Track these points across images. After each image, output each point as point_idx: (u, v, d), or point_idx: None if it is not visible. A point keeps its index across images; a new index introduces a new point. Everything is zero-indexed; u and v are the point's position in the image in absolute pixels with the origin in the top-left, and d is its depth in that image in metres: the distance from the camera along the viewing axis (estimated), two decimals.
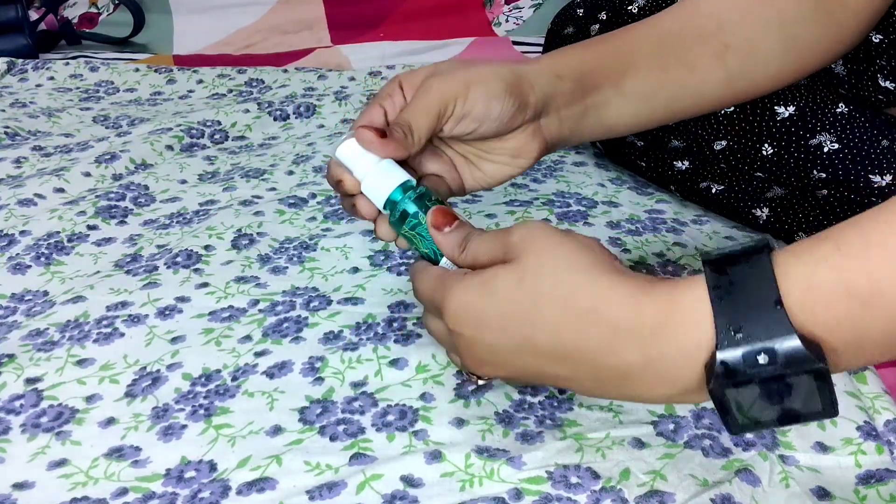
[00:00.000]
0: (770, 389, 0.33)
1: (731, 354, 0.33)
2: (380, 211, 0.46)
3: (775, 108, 0.65)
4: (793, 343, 0.32)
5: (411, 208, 0.44)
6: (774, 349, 0.33)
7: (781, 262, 0.34)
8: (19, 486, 0.42)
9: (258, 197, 0.72)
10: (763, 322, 0.33)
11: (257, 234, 0.65)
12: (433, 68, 0.48)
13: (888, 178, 0.60)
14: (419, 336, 0.52)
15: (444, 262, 0.44)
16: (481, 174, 0.50)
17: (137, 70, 1.12)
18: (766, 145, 0.65)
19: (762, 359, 0.33)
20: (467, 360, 0.41)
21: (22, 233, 0.65)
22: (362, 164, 0.45)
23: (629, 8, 0.75)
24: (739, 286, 0.34)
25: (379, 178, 0.45)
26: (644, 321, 0.35)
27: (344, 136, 0.45)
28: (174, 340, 0.52)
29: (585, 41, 0.52)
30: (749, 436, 0.44)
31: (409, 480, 0.41)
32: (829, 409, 0.34)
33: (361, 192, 0.46)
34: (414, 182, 0.45)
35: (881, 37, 0.63)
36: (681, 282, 0.36)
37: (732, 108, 0.66)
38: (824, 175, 0.63)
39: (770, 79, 0.53)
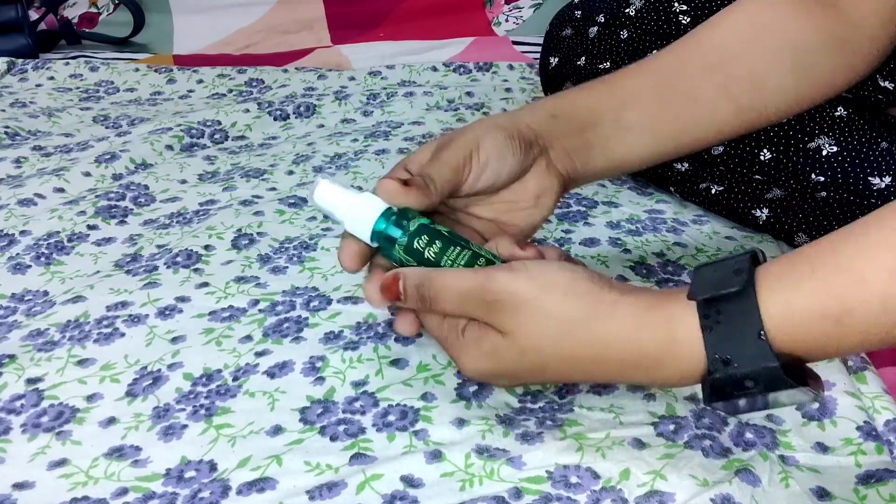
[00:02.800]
0: (756, 401, 0.38)
1: (721, 381, 0.38)
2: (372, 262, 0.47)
3: None
4: (775, 371, 0.36)
5: (395, 232, 0.44)
6: (759, 376, 0.37)
7: (765, 287, 0.37)
8: (19, 486, 0.42)
9: (258, 197, 0.72)
10: (748, 353, 0.37)
11: (257, 233, 0.65)
12: (438, 141, 0.49)
13: (887, 179, 0.60)
14: (419, 335, 0.52)
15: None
16: (514, 227, 0.50)
17: (137, 70, 1.12)
18: (765, 150, 0.65)
19: (749, 384, 0.37)
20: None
21: (22, 233, 0.65)
22: (341, 204, 0.45)
23: (626, 10, 0.75)
24: (726, 319, 0.37)
25: (360, 210, 0.44)
26: (646, 354, 0.39)
27: (320, 179, 0.46)
28: (175, 340, 0.52)
29: (583, 84, 0.53)
30: (749, 436, 0.44)
31: (409, 480, 0.41)
32: (816, 396, 0.38)
33: (346, 233, 0.45)
34: (395, 209, 0.45)
35: None
36: (674, 309, 0.39)
37: None
38: (823, 178, 0.63)
39: (783, 110, 0.53)
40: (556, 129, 0.50)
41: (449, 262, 0.43)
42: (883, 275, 0.35)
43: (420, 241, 0.43)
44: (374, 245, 0.45)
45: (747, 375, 0.37)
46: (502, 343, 0.41)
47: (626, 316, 0.39)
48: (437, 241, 0.43)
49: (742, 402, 0.38)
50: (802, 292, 0.37)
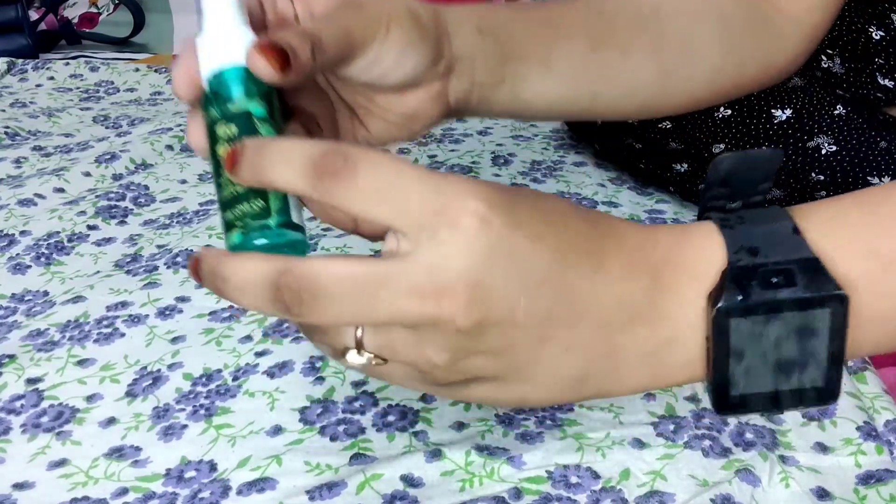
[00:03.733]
0: (779, 328, 0.30)
1: (745, 271, 0.29)
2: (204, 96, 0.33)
3: (772, 111, 0.65)
4: (815, 264, 0.29)
5: (227, 96, 0.32)
6: (794, 269, 0.29)
7: (793, 209, 0.31)
8: (19, 486, 0.42)
9: None
10: (780, 245, 0.30)
11: None
12: None
13: (886, 179, 0.60)
14: None
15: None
16: (365, 132, 0.41)
17: (137, 70, 1.12)
18: (764, 148, 0.65)
19: (779, 280, 0.29)
20: (502, 364, 0.31)
21: (22, 233, 0.65)
22: (218, 18, 0.33)
23: None
24: (750, 217, 0.31)
25: (226, 43, 0.33)
26: (656, 254, 0.31)
27: None
28: (175, 340, 0.52)
29: (521, 4, 0.45)
30: (749, 436, 0.44)
31: (409, 480, 0.41)
32: (831, 384, 0.31)
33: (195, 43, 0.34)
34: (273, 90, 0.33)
35: (882, 34, 0.63)
36: (685, 224, 0.33)
37: (730, 112, 0.66)
38: (822, 177, 0.63)
39: (706, 80, 0.49)
40: (478, 52, 0.41)
41: (226, 176, 0.31)
42: None
43: (224, 128, 0.32)
44: (205, 87, 0.33)
45: (779, 266, 0.29)
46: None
47: (630, 242, 0.31)
48: (237, 143, 0.31)
49: (754, 329, 0.29)
50: (845, 221, 0.30)
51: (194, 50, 0.33)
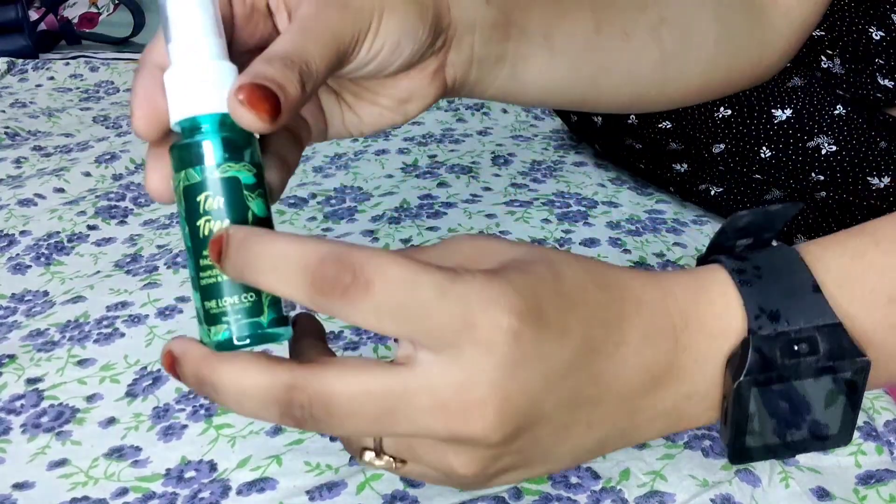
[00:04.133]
0: (800, 393, 0.29)
1: (768, 342, 0.29)
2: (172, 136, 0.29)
3: (773, 110, 0.65)
4: (837, 331, 0.28)
5: (217, 155, 0.27)
6: (816, 336, 0.28)
7: (808, 252, 0.30)
8: (19, 486, 0.42)
9: None
10: (802, 308, 0.28)
11: None
12: None
13: (886, 180, 0.60)
14: None
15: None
16: (355, 119, 0.37)
17: None
18: (765, 148, 0.65)
19: (802, 348, 0.28)
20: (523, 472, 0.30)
21: (22, 233, 0.65)
22: (189, 44, 0.28)
23: None
24: (767, 270, 0.30)
25: (201, 82, 0.28)
26: (674, 315, 0.30)
27: None
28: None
29: None
30: None
31: (409, 480, 0.41)
32: (845, 431, 0.31)
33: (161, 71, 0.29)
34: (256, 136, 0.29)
35: (882, 34, 0.63)
36: (698, 271, 0.31)
37: (730, 112, 0.66)
38: (822, 177, 0.63)
39: (700, 71, 0.47)
40: (479, 21, 0.37)
41: (207, 260, 0.27)
42: None
43: (207, 198, 0.27)
44: (175, 130, 0.29)
45: (801, 335, 0.28)
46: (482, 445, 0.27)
47: (651, 293, 0.30)
48: (223, 220, 0.27)
49: (774, 398, 0.29)
50: (863, 263, 0.30)
51: (159, 79, 0.28)
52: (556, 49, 0.40)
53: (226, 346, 0.28)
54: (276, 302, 0.28)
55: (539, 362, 0.27)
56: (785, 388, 0.29)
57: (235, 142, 0.28)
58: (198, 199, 0.27)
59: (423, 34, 0.33)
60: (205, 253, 0.27)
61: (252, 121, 0.27)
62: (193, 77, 0.27)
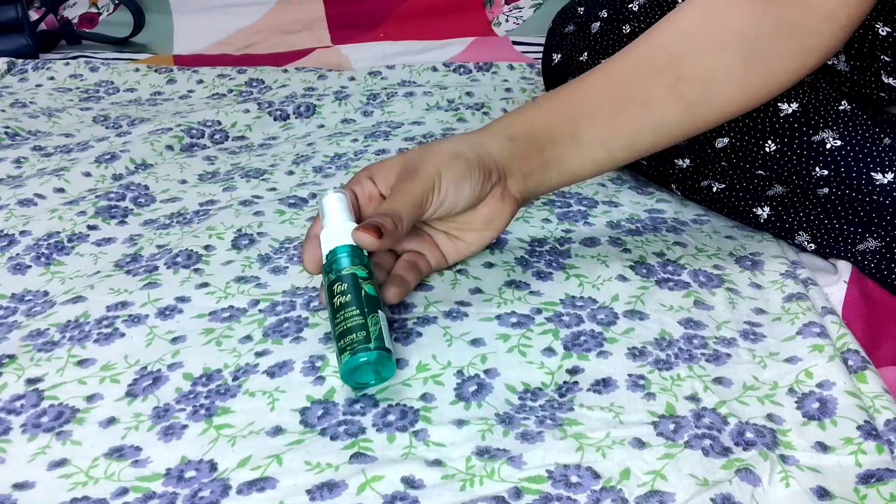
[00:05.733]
0: None
1: None
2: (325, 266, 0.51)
3: (778, 104, 0.65)
4: None
5: (335, 263, 0.49)
6: None
7: None
8: (19, 486, 0.42)
9: (258, 197, 0.72)
10: None
11: (257, 234, 0.65)
12: (402, 162, 0.51)
13: (890, 176, 0.60)
14: (419, 335, 0.52)
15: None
16: (463, 244, 0.55)
17: (137, 70, 1.12)
18: (770, 141, 0.65)
19: None
20: None
21: (22, 233, 0.65)
22: (330, 217, 0.51)
23: (630, 6, 0.75)
24: None
25: (335, 231, 0.50)
26: None
27: (331, 190, 0.52)
28: (175, 340, 0.52)
29: (538, 98, 0.55)
30: (749, 435, 0.44)
31: (409, 481, 0.41)
32: None
33: (318, 235, 0.51)
34: (366, 254, 0.50)
35: (888, 30, 0.63)
36: None
37: None
38: (826, 172, 0.63)
39: (734, 101, 0.53)
40: (516, 153, 0.52)
41: (340, 317, 0.47)
42: None
43: (338, 286, 0.48)
44: (325, 258, 0.51)
45: None
46: None
47: None
48: (347, 295, 0.48)
49: None
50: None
51: (317, 240, 0.51)
52: (585, 142, 0.53)
53: (348, 363, 0.46)
54: (379, 336, 0.46)
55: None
56: None
57: (354, 257, 0.49)
58: (333, 287, 0.49)
59: (474, 177, 0.50)
60: (337, 314, 0.48)
61: (367, 239, 0.47)
62: (335, 229, 0.51)
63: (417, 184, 0.49)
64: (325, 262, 0.50)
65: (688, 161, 0.70)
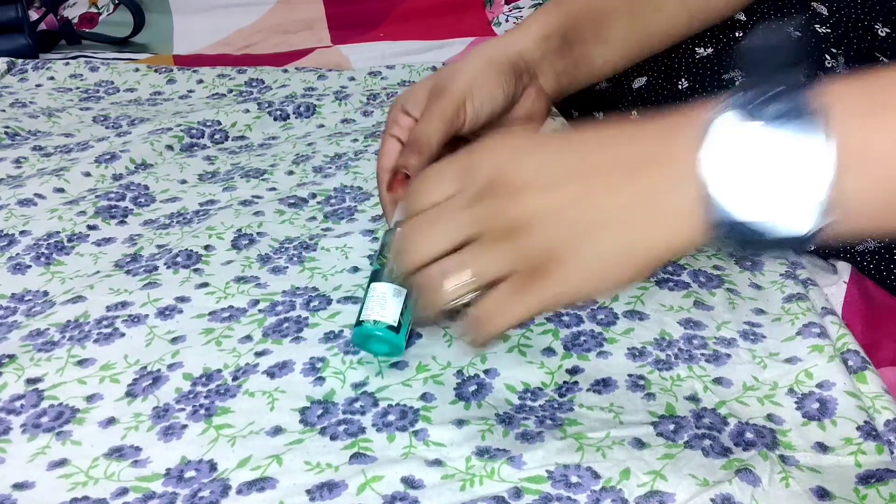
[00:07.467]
0: (771, 135, 0.31)
1: (736, 97, 0.32)
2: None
3: None
4: (796, 85, 0.31)
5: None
6: (782, 92, 0.32)
7: (835, 109, 0.32)
8: (19, 486, 0.42)
9: (258, 197, 0.72)
10: (771, 84, 0.32)
11: (257, 234, 0.65)
12: (432, 82, 0.51)
13: None
14: (419, 336, 0.52)
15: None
16: None
17: (137, 70, 1.11)
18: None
19: (766, 99, 0.32)
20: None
21: (22, 233, 0.65)
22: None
23: None
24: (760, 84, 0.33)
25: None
26: (665, 118, 0.35)
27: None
28: (174, 340, 0.52)
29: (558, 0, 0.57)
30: (749, 436, 0.44)
31: (409, 481, 0.41)
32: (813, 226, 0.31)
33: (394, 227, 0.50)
34: None
35: (888, 31, 0.63)
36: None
37: None
38: None
39: (721, 11, 0.62)
40: (548, 52, 0.53)
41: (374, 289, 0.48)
42: None
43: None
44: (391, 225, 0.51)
45: (774, 89, 0.31)
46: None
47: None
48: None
49: (744, 138, 0.32)
50: (851, 79, 0.32)
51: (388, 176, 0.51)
52: (610, 42, 0.56)
53: (365, 331, 0.47)
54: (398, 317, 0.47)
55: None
56: (757, 131, 0.31)
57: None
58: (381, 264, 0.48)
59: (507, 84, 0.50)
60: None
61: (398, 195, 0.50)
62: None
63: (447, 100, 0.49)
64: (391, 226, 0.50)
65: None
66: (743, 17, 0.68)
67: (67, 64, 1.13)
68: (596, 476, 0.41)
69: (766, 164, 0.31)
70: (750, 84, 0.33)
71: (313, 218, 0.68)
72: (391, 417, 0.45)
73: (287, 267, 0.61)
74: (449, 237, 0.37)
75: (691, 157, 0.32)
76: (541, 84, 0.53)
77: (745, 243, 0.33)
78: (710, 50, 0.68)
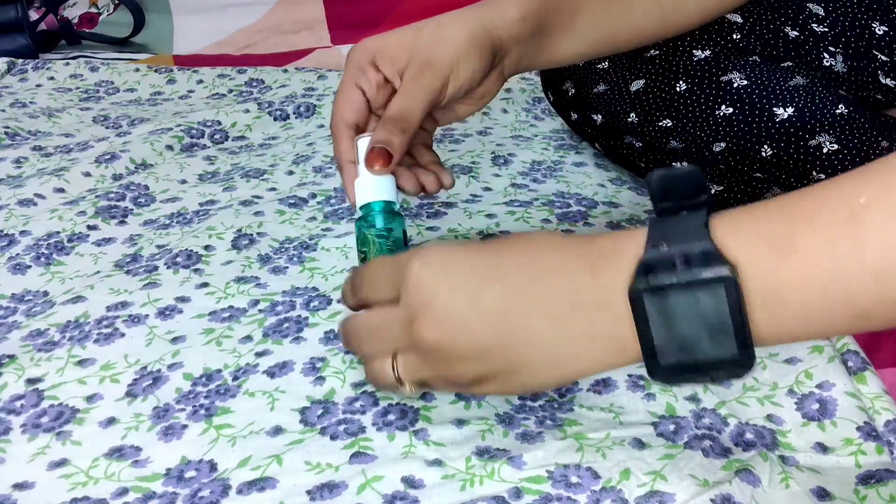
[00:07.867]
0: (685, 305, 0.34)
1: (652, 256, 0.34)
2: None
3: (774, 109, 0.65)
4: (706, 245, 0.33)
5: (379, 222, 0.49)
6: (691, 256, 0.34)
7: (721, 212, 0.36)
8: (19, 486, 0.42)
9: (258, 197, 0.72)
10: (688, 237, 0.34)
11: (257, 234, 0.65)
12: (411, 47, 0.50)
13: None
14: None
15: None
16: (452, 114, 0.56)
17: (137, 70, 1.12)
18: (766, 146, 0.65)
19: (680, 263, 0.34)
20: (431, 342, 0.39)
21: (22, 233, 0.65)
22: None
23: None
24: (682, 217, 0.35)
25: (373, 184, 0.49)
26: (588, 251, 0.37)
27: (364, 136, 0.50)
28: (175, 340, 0.52)
29: None
30: (749, 436, 0.44)
31: (409, 481, 0.41)
32: (744, 357, 0.34)
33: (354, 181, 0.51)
34: (397, 206, 0.50)
35: (885, 29, 0.63)
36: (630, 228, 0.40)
37: (731, 111, 0.66)
38: (823, 176, 0.63)
39: (699, 9, 0.60)
40: (521, 35, 0.52)
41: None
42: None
43: (369, 245, 0.49)
44: (357, 210, 0.50)
45: (680, 254, 0.34)
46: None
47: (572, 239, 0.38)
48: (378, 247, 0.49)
49: (666, 305, 0.34)
50: (751, 212, 0.35)
51: (353, 173, 0.51)
52: (577, 32, 0.56)
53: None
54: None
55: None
56: (672, 300, 0.34)
57: (387, 213, 0.49)
58: (365, 234, 0.50)
59: (484, 64, 0.51)
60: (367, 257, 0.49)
61: (378, 170, 0.48)
62: (370, 181, 0.50)
63: (433, 75, 0.49)
64: (358, 210, 0.50)
65: (686, 164, 0.70)
66: (740, 20, 0.68)
67: (67, 64, 1.13)
68: (596, 476, 0.41)
69: (684, 315, 0.34)
70: (660, 227, 0.35)
71: (313, 218, 0.68)
72: (391, 417, 0.45)
73: (287, 267, 0.61)
74: (387, 349, 0.41)
75: (622, 299, 0.35)
76: (504, 67, 0.53)
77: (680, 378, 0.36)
78: (707, 52, 0.68)
